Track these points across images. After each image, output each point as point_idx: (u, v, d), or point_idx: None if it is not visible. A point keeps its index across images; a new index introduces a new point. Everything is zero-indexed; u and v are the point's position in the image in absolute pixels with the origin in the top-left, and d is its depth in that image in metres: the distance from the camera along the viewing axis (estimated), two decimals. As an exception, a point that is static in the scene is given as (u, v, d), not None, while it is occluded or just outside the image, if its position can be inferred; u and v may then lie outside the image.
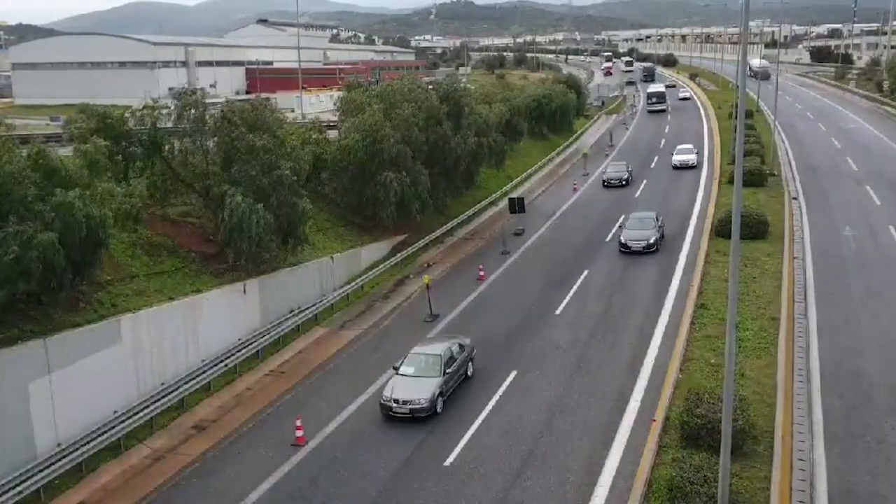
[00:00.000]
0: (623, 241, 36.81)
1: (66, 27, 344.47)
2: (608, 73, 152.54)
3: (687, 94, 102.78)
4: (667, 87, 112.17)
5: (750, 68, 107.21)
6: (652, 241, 36.41)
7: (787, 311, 26.84)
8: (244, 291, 27.84)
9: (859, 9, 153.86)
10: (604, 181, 53.09)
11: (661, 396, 22.12)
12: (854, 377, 22.32)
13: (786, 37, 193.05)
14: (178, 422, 23.19)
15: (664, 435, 19.89)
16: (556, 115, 71.15)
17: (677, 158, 57.50)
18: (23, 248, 19.11)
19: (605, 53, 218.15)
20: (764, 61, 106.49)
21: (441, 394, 22.19)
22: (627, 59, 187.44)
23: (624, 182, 52.21)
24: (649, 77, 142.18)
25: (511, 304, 31.30)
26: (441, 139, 40.73)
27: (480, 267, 35.75)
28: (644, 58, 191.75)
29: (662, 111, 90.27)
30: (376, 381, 24.99)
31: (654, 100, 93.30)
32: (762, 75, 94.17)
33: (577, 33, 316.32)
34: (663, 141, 70.02)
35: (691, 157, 57.50)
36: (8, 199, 19.93)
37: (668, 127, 78.57)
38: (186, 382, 24.17)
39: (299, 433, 21.52)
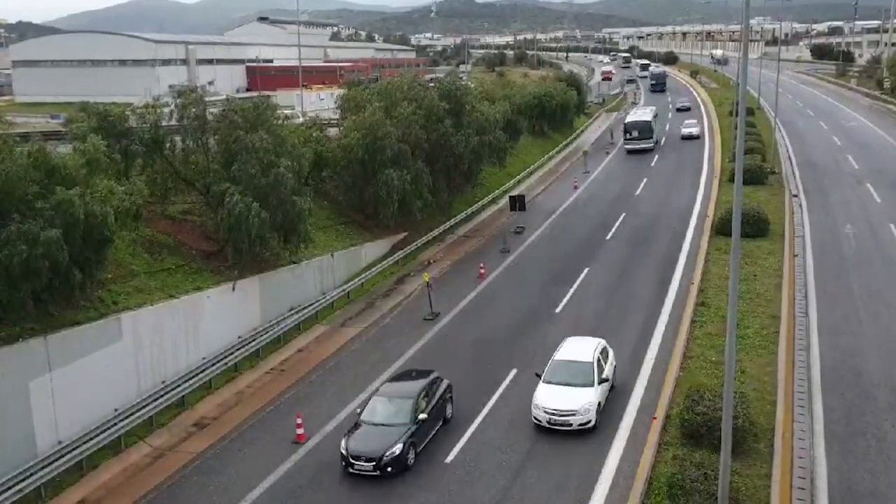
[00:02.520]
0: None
1: (66, 25, 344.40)
2: (607, 78, 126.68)
3: (694, 130, 69.58)
4: (678, 109, 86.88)
5: (712, 56, 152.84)
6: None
7: (788, 309, 26.84)
8: (233, 289, 27.63)
9: (860, 6, 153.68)
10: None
11: (662, 394, 22.13)
12: (854, 375, 22.33)
13: (786, 34, 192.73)
14: (178, 420, 23.19)
15: (665, 433, 19.90)
16: (556, 113, 71.06)
17: (542, 406, 20.76)
18: (29, 246, 19.17)
19: (624, 54, 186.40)
20: (722, 51, 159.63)
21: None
22: (644, 61, 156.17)
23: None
24: (658, 86, 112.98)
25: (511, 302, 31.31)
26: (442, 137, 40.70)
27: (481, 265, 35.75)
28: (645, 56, 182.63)
29: (647, 151, 62.98)
30: (377, 378, 25.00)
31: (633, 133, 63.51)
32: (722, 61, 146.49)
33: (577, 31, 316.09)
34: (663, 140, 69.91)
35: (579, 402, 20.49)
36: (9, 197, 19.94)
37: (668, 125, 78.38)
38: (187, 380, 24.15)
39: (300, 431, 21.54)
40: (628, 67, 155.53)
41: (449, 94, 43.06)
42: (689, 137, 67.89)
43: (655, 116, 67.93)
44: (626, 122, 66.78)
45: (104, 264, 22.61)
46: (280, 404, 24.00)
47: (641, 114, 68.66)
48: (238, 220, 26.52)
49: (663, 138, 69.39)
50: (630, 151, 63.42)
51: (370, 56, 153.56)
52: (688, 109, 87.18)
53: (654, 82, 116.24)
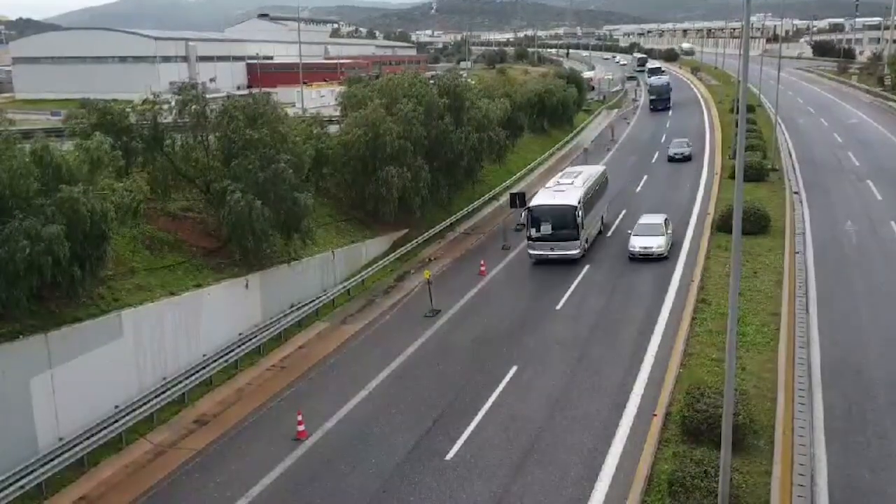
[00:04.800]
0: None
1: (66, 22, 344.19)
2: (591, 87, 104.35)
3: (654, 245, 34.74)
4: (672, 158, 56.85)
5: (681, 48, 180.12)
6: None
7: (788, 306, 26.83)
8: (246, 286, 27.87)
9: (861, 3, 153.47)
10: None
11: (662, 391, 22.14)
12: (855, 372, 22.32)
13: (787, 31, 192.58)
14: (179, 416, 23.21)
15: (665, 430, 19.91)
16: (557, 110, 71.07)
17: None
18: (31, 242, 19.18)
19: (640, 55, 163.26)
20: (689, 45, 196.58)
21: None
22: (654, 64, 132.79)
23: None
24: (661, 103, 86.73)
25: (512, 299, 31.30)
26: (442, 134, 40.68)
27: (481, 262, 35.72)
28: (645, 53, 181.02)
29: (568, 260, 34.83)
30: (377, 375, 25.03)
31: (543, 227, 34.80)
32: (689, 52, 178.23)
33: (578, 28, 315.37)
34: (664, 136, 69.85)
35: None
36: (11, 194, 19.94)
37: (669, 122, 78.32)
38: (188, 377, 24.17)
39: (300, 428, 21.54)
40: (643, 71, 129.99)
41: (449, 91, 43.04)
42: (645, 255, 34.50)
43: (596, 190, 38.67)
44: (531, 205, 35.76)
45: (104, 261, 22.60)
46: (281, 401, 24.01)
47: (563, 187, 36.88)
48: (240, 217, 26.53)
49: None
50: (538, 262, 35.40)
51: (371, 53, 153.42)
52: (687, 160, 55.76)
53: (654, 97, 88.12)
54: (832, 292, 28.70)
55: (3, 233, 19.32)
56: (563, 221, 34.39)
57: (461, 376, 24.51)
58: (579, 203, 34.65)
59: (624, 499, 17.35)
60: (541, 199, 36.21)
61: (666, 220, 36.49)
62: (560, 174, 41.66)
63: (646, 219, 36.72)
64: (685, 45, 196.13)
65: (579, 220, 34.30)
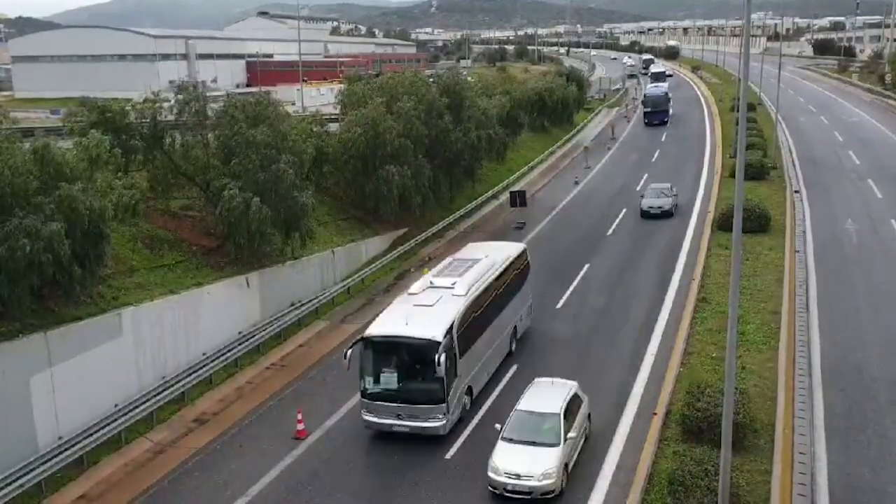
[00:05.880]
0: None
1: (65, 20, 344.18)
2: None
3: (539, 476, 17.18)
4: (647, 212, 41.62)
5: (668, 45, 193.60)
6: None
7: (789, 305, 26.82)
8: (248, 285, 27.83)
9: (862, 1, 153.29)
10: None
11: (663, 390, 22.13)
12: (855, 371, 22.32)
13: (788, 30, 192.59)
14: (179, 415, 23.19)
15: (665, 429, 19.91)
16: (557, 108, 70.92)
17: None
18: (31, 240, 19.17)
19: (645, 56, 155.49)
20: (676, 42, 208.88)
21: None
22: (659, 68, 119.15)
23: None
24: (657, 117, 74.79)
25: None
26: (442, 132, 40.60)
27: (481, 260, 35.55)
28: (646, 51, 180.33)
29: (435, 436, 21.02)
30: (377, 374, 24.95)
31: (385, 379, 20.32)
32: (676, 48, 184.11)
33: (578, 26, 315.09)
34: (664, 135, 69.76)
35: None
36: (12, 192, 19.92)
37: (669, 121, 78.16)
38: (187, 376, 24.15)
39: (300, 427, 21.53)
40: (647, 73, 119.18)
41: (449, 89, 42.97)
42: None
43: (499, 292, 24.10)
44: (367, 333, 20.75)
45: (103, 259, 22.58)
46: (281, 400, 24.00)
47: (433, 296, 21.86)
48: (234, 214, 26.49)
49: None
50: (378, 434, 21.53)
51: (370, 51, 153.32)
52: (667, 215, 41.35)
53: (649, 110, 75.29)
54: (832, 291, 28.68)
55: (4, 231, 19.31)
56: (419, 367, 20.30)
57: (461, 375, 24.44)
58: (451, 331, 20.21)
59: (624, 497, 17.34)
60: (385, 323, 21.12)
61: (572, 397, 19.09)
62: (443, 264, 25.09)
63: (531, 400, 19.22)
64: (671, 43, 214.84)
65: (441, 366, 19.19)
